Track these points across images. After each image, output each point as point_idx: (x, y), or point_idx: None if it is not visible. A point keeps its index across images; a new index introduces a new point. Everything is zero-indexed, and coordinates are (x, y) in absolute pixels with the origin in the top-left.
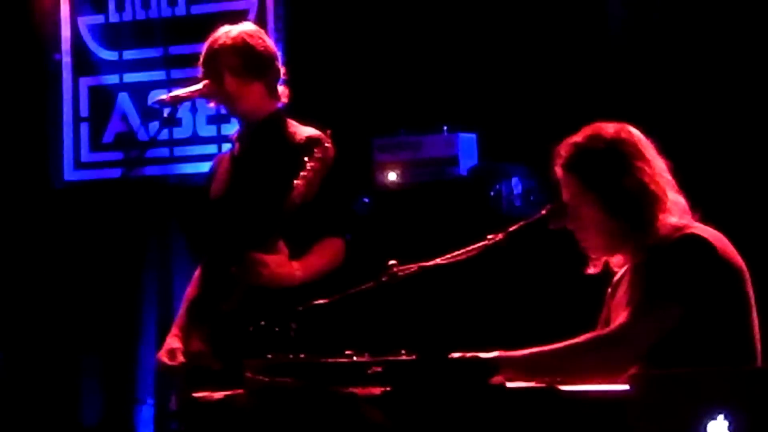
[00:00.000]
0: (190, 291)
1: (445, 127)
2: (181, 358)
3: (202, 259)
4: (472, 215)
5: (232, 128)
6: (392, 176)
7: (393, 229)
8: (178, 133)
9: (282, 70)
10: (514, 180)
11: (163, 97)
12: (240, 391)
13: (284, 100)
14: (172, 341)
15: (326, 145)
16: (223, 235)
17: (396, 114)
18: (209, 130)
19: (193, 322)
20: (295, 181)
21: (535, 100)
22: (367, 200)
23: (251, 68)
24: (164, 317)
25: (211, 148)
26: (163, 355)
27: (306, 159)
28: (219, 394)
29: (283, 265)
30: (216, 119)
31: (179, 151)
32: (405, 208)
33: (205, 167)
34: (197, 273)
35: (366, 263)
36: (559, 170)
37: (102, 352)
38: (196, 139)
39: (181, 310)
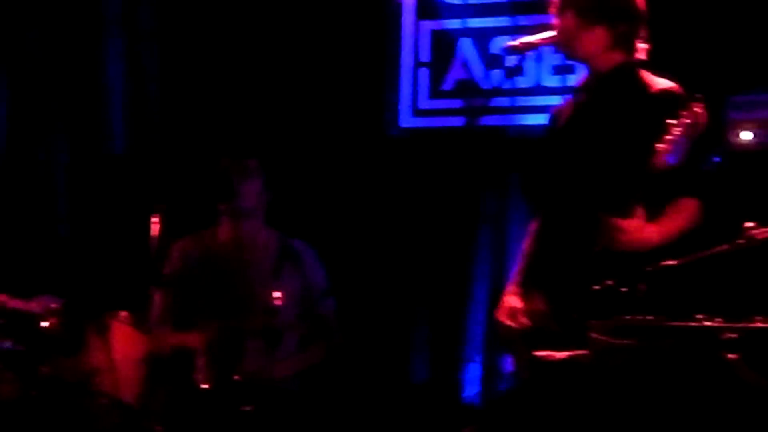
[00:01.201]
0: (527, 245)
1: None
2: (523, 320)
3: (539, 215)
4: None
5: (576, 78)
6: (746, 135)
7: (746, 190)
8: (521, 82)
9: (642, 26)
10: None
11: (514, 43)
12: (584, 351)
13: (640, 56)
14: (512, 299)
15: (697, 110)
16: (568, 194)
17: (753, 71)
18: (554, 81)
19: (531, 279)
20: (659, 145)
21: None
22: (718, 159)
23: (596, 10)
24: (497, 274)
25: (555, 100)
26: (502, 315)
27: (671, 121)
28: (562, 354)
29: (640, 230)
30: (561, 69)
31: (521, 101)
32: (760, 168)
33: (546, 119)
34: (533, 226)
35: (716, 225)
36: None
37: (431, 307)
38: (539, 90)
39: (518, 266)
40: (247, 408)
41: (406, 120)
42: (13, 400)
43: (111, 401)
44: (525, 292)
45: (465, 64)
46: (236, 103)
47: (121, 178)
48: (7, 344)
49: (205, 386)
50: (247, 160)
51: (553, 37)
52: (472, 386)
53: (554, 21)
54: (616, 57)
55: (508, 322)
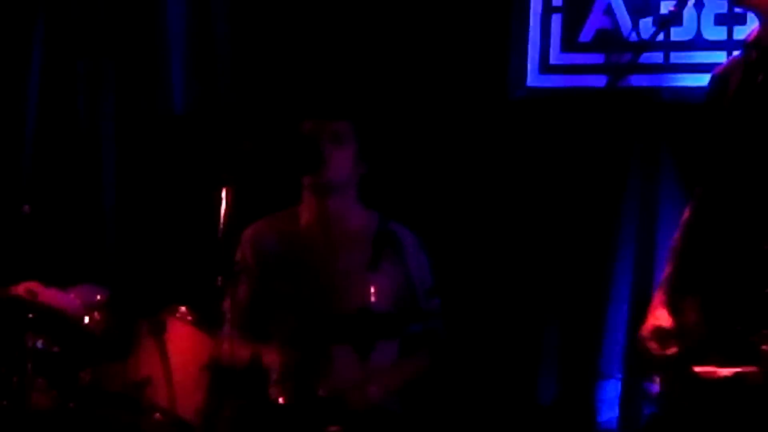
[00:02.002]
0: (678, 241)
1: None
2: (672, 348)
3: (695, 198)
4: None
5: (746, 31)
6: None
7: None
8: (678, 34)
9: None
10: None
11: None
12: (752, 368)
13: None
14: (660, 315)
15: None
16: (737, 179)
17: None
18: (717, 33)
19: (685, 283)
20: None
21: None
22: None
23: None
24: (642, 270)
25: (718, 56)
26: (647, 336)
27: None
28: (726, 371)
29: None
30: (727, 19)
31: (677, 57)
32: None
33: (706, 79)
34: (686, 216)
35: None
36: None
37: (562, 311)
38: (699, 43)
39: (668, 268)
40: (334, 429)
41: (534, 78)
42: (46, 412)
43: (166, 417)
44: (676, 301)
45: (608, 10)
46: (325, 52)
47: (181, 144)
48: (39, 344)
49: (283, 401)
50: (338, 123)
51: None
52: (609, 408)
53: None
54: None
55: (653, 347)
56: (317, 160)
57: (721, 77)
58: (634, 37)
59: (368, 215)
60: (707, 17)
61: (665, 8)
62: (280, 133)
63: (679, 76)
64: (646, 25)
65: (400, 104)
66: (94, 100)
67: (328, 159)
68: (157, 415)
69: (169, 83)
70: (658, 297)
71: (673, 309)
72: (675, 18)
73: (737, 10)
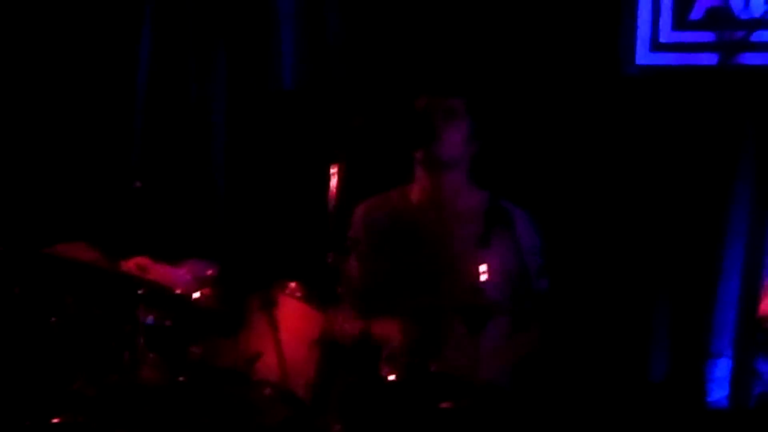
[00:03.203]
0: None
1: None
2: None
3: None
4: None
5: None
6: None
7: None
8: None
9: None
10: None
11: None
12: None
13: None
14: None
15: None
16: None
17: None
18: None
19: None
20: None
21: None
22: None
23: None
24: (754, 247)
25: None
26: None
27: None
28: None
29: None
30: None
31: None
32: None
33: None
34: None
35: None
36: None
37: (673, 288)
38: None
39: None
40: (446, 406)
41: (644, 56)
42: (157, 387)
43: (277, 392)
44: None
45: None
46: (438, 28)
47: (291, 120)
48: (150, 319)
49: (394, 378)
50: (451, 99)
51: None
52: (719, 387)
53: None
54: None
55: None
56: (430, 135)
57: None
58: (745, 14)
59: (480, 193)
60: None
61: None
62: (393, 109)
63: None
64: (758, 2)
65: (513, 81)
66: (205, 76)
67: (440, 134)
68: (268, 389)
69: (279, 59)
70: None
71: None
72: None
73: None
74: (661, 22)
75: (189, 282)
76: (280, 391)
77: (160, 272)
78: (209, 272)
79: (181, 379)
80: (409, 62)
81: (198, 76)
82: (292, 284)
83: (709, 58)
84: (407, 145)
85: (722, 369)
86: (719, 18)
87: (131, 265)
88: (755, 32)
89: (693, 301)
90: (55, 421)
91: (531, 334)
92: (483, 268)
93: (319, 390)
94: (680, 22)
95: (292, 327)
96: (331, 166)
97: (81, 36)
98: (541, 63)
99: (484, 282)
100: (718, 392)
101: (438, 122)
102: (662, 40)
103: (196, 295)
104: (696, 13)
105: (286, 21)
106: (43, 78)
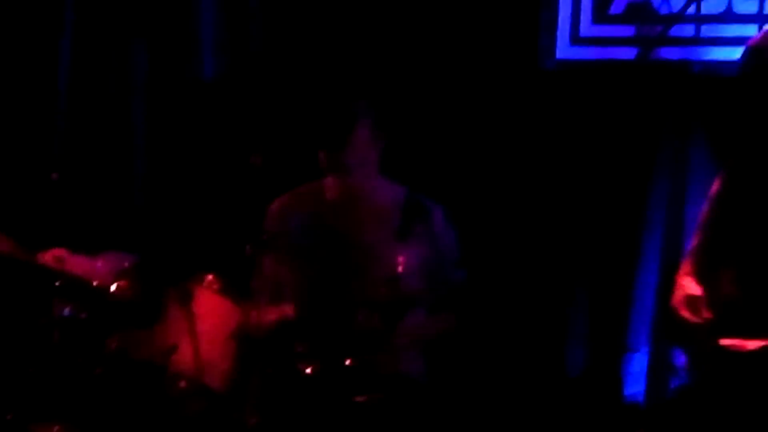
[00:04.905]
0: (707, 213)
1: None
2: (706, 314)
3: (727, 170)
4: None
5: None
6: None
7: None
8: (708, 7)
9: None
10: None
11: None
12: None
13: None
14: (689, 284)
15: None
16: None
17: None
18: (748, 6)
19: (715, 256)
20: None
21: None
22: None
23: None
24: (671, 241)
25: (749, 29)
26: (680, 304)
27: None
28: (754, 344)
29: None
30: None
31: (708, 30)
32: None
33: (738, 53)
34: (715, 188)
35: None
36: None
37: (590, 284)
38: (729, 17)
39: (696, 238)
40: (361, 399)
41: (565, 50)
42: (72, 378)
43: (192, 385)
44: (707, 273)
45: None
46: (352, 20)
47: (210, 110)
48: (66, 311)
49: (310, 371)
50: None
51: None
52: (635, 381)
53: None
54: None
55: (687, 315)
56: (335, 142)
57: (757, 49)
58: (665, 9)
59: (394, 189)
60: None
61: None
62: (301, 107)
63: (710, 49)
64: None
65: (426, 76)
66: (125, 66)
67: (344, 142)
68: (183, 383)
69: (199, 49)
70: (685, 267)
71: (704, 280)
72: None
73: None
74: (581, 16)
75: (106, 274)
76: (195, 384)
77: (78, 264)
78: (126, 264)
79: (97, 371)
80: (325, 53)
81: (118, 67)
82: (210, 277)
83: (628, 53)
84: (313, 145)
85: (639, 363)
86: (639, 12)
87: (48, 257)
88: (674, 27)
89: (610, 296)
90: None
91: (446, 317)
92: (400, 260)
93: (236, 383)
94: (600, 15)
95: (208, 320)
96: (250, 158)
97: (1, 25)
98: (460, 56)
99: (401, 273)
100: (635, 386)
101: (341, 130)
102: (582, 33)
103: (114, 287)
104: (616, 8)
105: (207, 10)
106: None
